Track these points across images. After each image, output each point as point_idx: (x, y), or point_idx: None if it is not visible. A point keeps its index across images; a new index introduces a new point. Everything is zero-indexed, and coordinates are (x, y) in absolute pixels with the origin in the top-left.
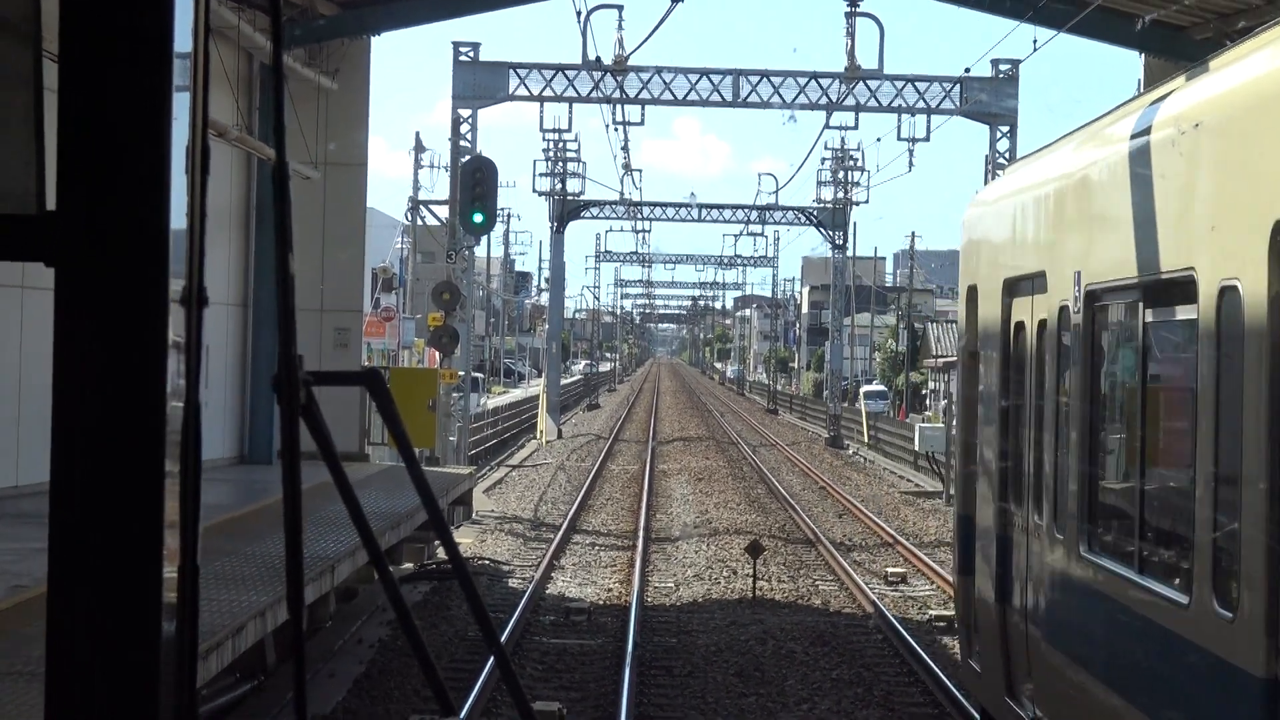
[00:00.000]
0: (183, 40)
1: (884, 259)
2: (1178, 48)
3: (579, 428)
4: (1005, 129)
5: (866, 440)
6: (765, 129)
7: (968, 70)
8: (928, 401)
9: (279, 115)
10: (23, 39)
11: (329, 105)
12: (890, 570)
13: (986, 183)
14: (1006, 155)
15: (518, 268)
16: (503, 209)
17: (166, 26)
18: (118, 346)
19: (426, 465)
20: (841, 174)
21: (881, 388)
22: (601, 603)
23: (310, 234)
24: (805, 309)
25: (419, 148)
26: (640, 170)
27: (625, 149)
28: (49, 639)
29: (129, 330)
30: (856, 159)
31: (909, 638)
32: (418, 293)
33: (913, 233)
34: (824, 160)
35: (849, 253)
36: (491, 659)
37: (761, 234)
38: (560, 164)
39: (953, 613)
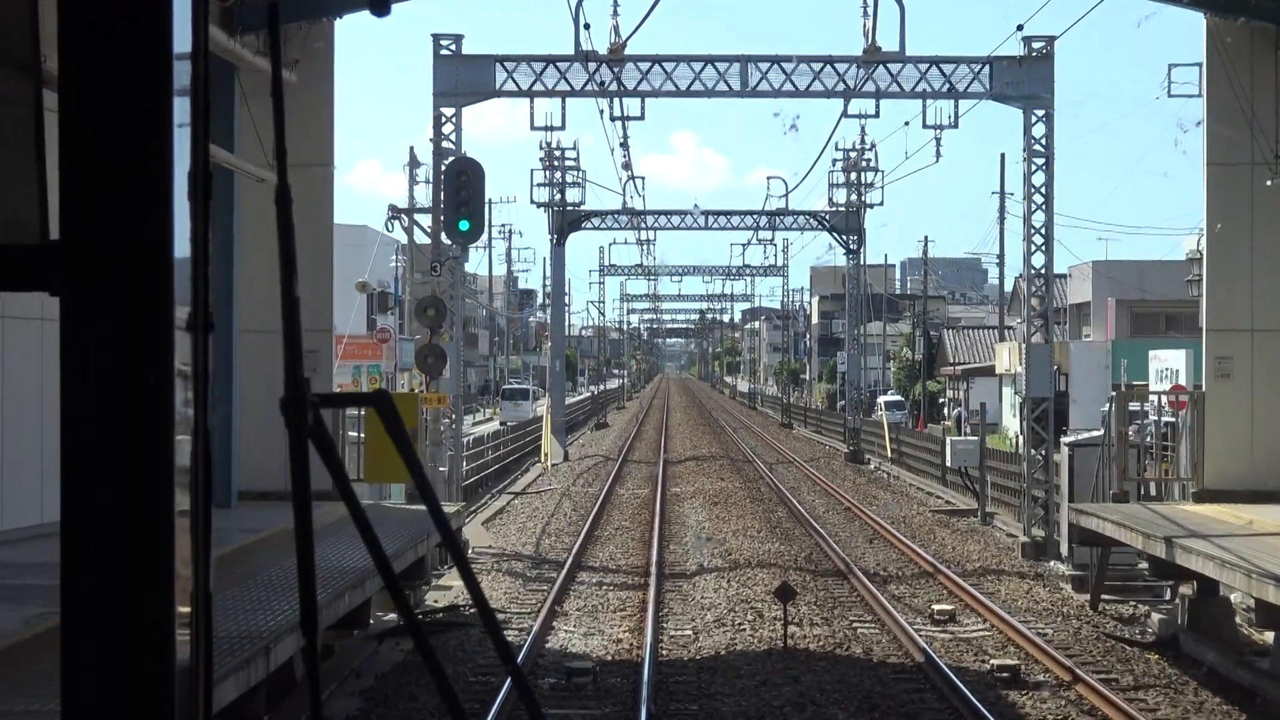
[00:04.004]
0: (181, 66)
1: (893, 266)
2: (1247, 4)
3: (586, 449)
4: (1040, 112)
5: (890, 454)
6: (763, 141)
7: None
8: (946, 411)
9: (280, 136)
10: (22, 69)
11: (288, 99)
12: (936, 607)
13: (1025, 172)
14: (1043, 141)
15: (521, 285)
16: (504, 225)
17: (165, 53)
18: (125, 374)
19: (409, 504)
20: (854, 175)
21: (899, 398)
22: (609, 658)
23: (269, 245)
24: (815, 319)
25: (413, 163)
26: (643, 177)
27: (625, 145)
28: (63, 671)
29: (135, 357)
30: (870, 159)
31: (971, 696)
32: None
33: (925, 237)
34: (835, 162)
35: (862, 259)
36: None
37: (771, 241)
38: (558, 171)
39: (1017, 662)
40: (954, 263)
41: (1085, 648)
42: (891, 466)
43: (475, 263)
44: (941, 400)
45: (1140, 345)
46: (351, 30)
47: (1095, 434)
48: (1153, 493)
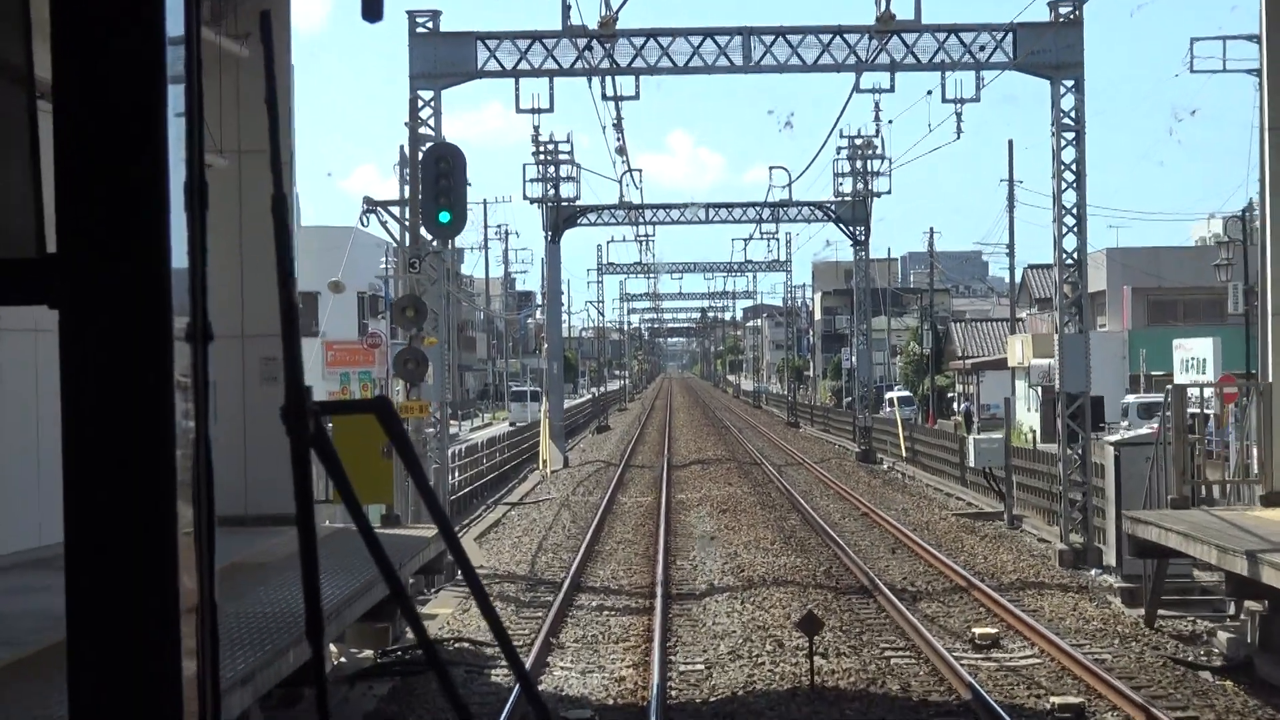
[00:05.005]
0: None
1: (895, 260)
2: None
3: (587, 453)
4: (1070, 83)
5: (904, 453)
6: (759, 139)
7: None
8: (956, 405)
9: (275, 146)
10: (17, 82)
11: (240, 77)
12: (977, 630)
13: (1054, 148)
14: (1072, 114)
15: (519, 286)
16: (500, 225)
17: (160, 66)
18: (124, 385)
19: (382, 527)
20: (860, 163)
21: (907, 393)
22: (611, 701)
23: (222, 240)
24: (818, 315)
25: (403, 161)
26: (640, 170)
27: (619, 127)
28: (70, 680)
29: (135, 368)
30: (876, 146)
31: None
32: None
33: (931, 229)
34: (840, 150)
35: (868, 251)
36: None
37: (774, 235)
38: (551, 164)
39: (1080, 699)
40: (955, 256)
41: (1151, 676)
42: (906, 466)
43: (472, 264)
44: (950, 395)
45: (1159, 334)
46: (348, 30)
47: (1144, 432)
48: (1203, 495)
